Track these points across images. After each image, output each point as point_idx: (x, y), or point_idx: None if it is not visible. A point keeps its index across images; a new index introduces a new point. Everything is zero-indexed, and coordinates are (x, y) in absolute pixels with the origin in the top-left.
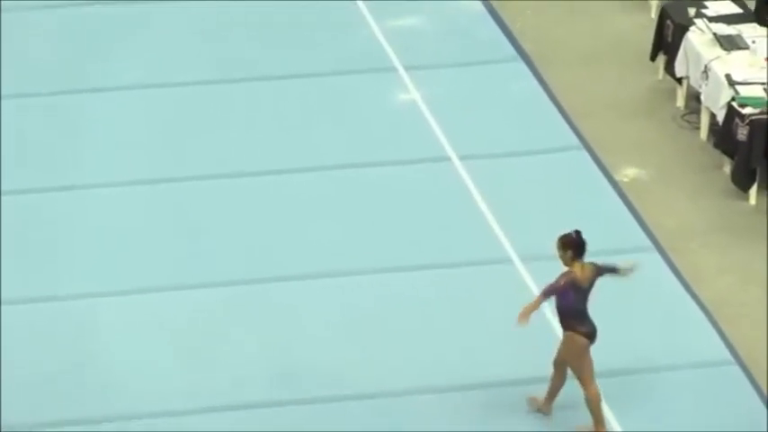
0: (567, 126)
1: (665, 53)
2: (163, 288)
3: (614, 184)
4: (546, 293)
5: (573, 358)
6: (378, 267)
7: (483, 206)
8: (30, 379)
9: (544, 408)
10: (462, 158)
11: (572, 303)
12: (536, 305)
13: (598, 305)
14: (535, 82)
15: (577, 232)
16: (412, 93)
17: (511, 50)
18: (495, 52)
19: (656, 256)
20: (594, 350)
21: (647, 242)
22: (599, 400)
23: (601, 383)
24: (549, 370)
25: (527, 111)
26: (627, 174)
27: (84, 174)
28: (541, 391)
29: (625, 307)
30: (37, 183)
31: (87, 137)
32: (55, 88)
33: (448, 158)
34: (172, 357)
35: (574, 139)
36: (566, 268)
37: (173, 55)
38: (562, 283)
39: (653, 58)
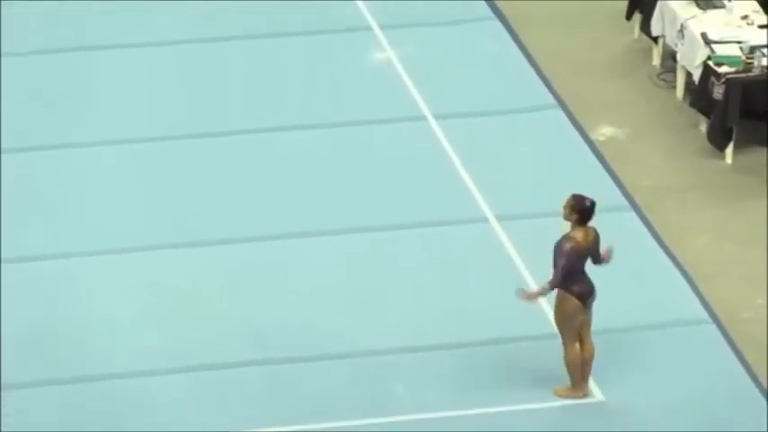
0: (542, 85)
1: (640, 12)
2: (140, 248)
3: (590, 143)
4: (555, 280)
5: (560, 317)
6: (354, 227)
7: (459, 166)
8: (2, 337)
9: (572, 394)
10: (438, 118)
11: (571, 267)
12: (545, 291)
13: None
14: (511, 41)
15: (592, 202)
16: (387, 52)
17: (486, 10)
18: (470, 12)
19: (632, 215)
20: None
21: (623, 201)
22: (578, 363)
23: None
24: (529, 328)
25: (503, 70)
26: (603, 133)
27: (70, 133)
28: (524, 349)
29: (601, 269)
30: (25, 141)
31: (78, 95)
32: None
33: (424, 118)
34: (149, 316)
35: (550, 99)
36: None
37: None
38: (564, 257)
39: (628, 17)
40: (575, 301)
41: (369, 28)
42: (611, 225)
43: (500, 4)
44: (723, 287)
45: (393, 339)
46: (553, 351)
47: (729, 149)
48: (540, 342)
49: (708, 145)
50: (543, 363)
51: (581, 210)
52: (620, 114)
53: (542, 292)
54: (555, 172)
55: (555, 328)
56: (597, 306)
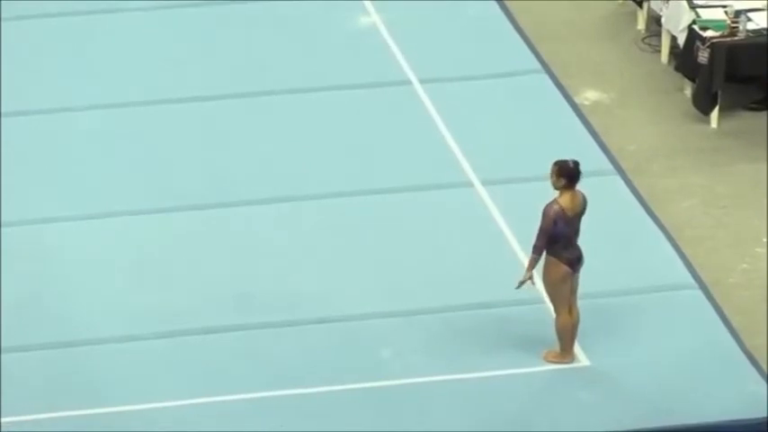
0: (527, 49)
1: None
2: (123, 212)
3: (575, 108)
4: (538, 245)
5: (549, 283)
6: (338, 191)
7: (443, 130)
8: None
9: (559, 359)
10: (422, 82)
11: (558, 230)
12: (534, 262)
13: None
14: (495, 5)
15: (575, 162)
16: (372, 16)
17: None
18: None
19: (617, 179)
20: None
21: (609, 165)
22: (569, 329)
23: None
24: (515, 292)
25: (487, 34)
26: (588, 97)
27: (58, 97)
28: (511, 314)
29: (586, 230)
30: (11, 105)
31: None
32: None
33: (408, 82)
34: (131, 281)
35: (534, 63)
36: (542, 196)
37: None
38: (549, 222)
39: None
40: (564, 268)
41: None
42: (596, 189)
43: None
44: (709, 251)
45: (379, 304)
46: (540, 315)
47: (715, 113)
48: (528, 306)
49: (693, 109)
50: (530, 327)
51: (567, 173)
52: (605, 79)
53: (531, 265)
54: (540, 136)
55: (544, 293)
56: (582, 271)
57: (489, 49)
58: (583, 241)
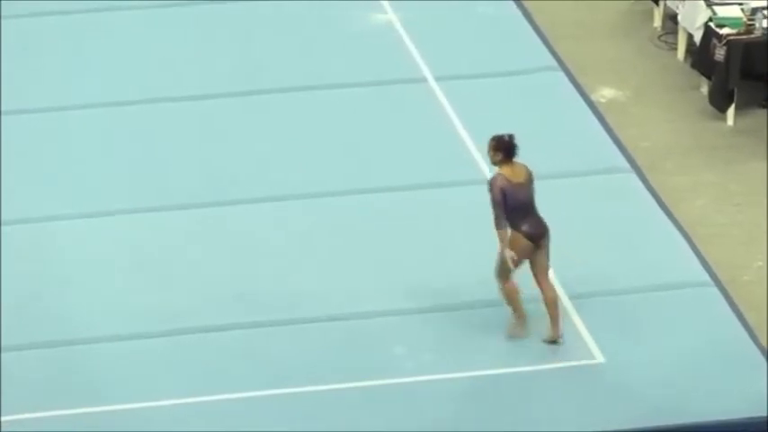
0: (543, 46)
1: None
2: (121, 211)
3: (591, 105)
4: (497, 218)
5: (502, 252)
6: (352, 189)
7: (459, 127)
8: None
9: (518, 330)
10: (438, 79)
11: (511, 203)
12: (503, 236)
13: (574, 225)
14: (511, 2)
15: (510, 136)
16: (388, 13)
17: None
18: None
19: (633, 177)
20: (569, 271)
21: (624, 162)
22: (514, 297)
23: (577, 305)
24: (527, 290)
25: (503, 32)
26: (604, 94)
27: (58, 95)
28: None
29: (601, 228)
30: (12, 104)
31: (68, 57)
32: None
33: (424, 79)
34: (130, 280)
35: (550, 60)
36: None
37: None
38: (497, 192)
39: None
40: (525, 241)
41: None
42: (611, 186)
43: None
44: (723, 249)
45: (391, 302)
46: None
47: (730, 111)
48: (540, 304)
49: (709, 107)
50: (543, 325)
51: (504, 146)
52: (621, 76)
53: (502, 239)
54: (556, 134)
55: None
56: (596, 267)
57: (505, 46)
58: (598, 238)
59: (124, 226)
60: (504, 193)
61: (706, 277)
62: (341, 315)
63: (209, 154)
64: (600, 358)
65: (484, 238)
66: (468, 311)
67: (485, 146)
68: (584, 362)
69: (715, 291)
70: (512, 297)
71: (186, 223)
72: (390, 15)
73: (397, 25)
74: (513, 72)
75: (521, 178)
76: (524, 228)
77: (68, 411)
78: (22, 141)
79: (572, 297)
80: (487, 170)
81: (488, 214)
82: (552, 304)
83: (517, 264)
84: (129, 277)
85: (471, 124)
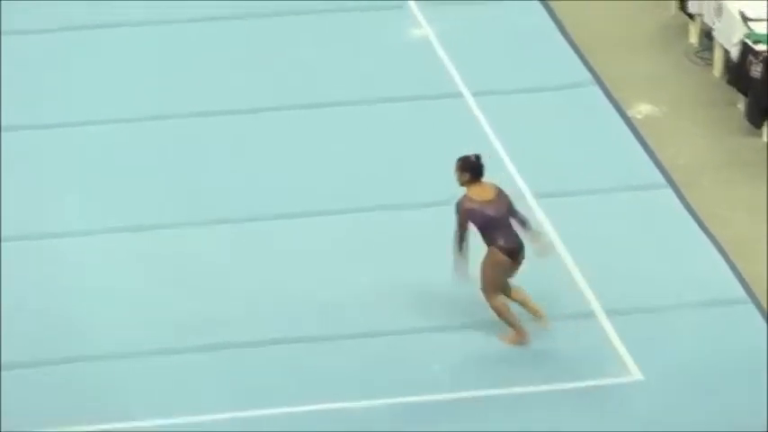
0: (579, 62)
1: None
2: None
3: (627, 121)
4: (459, 238)
5: (484, 269)
6: (387, 204)
7: (496, 143)
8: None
9: (521, 339)
10: (475, 95)
11: (482, 222)
12: (461, 256)
13: (611, 242)
14: (548, 17)
15: (477, 156)
16: (424, 28)
17: None
18: None
19: (669, 193)
20: (607, 287)
21: (660, 178)
22: (505, 310)
23: (614, 321)
24: (566, 307)
25: (539, 46)
26: (640, 110)
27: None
28: (561, 329)
29: (638, 244)
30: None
31: (81, 74)
32: (58, 24)
33: (461, 95)
34: (162, 294)
35: (587, 75)
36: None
37: None
38: (462, 215)
39: None
40: (502, 256)
41: (405, 4)
42: (648, 203)
43: None
44: (760, 265)
45: (430, 317)
46: (591, 330)
47: (767, 127)
48: (578, 321)
49: (745, 123)
50: (581, 342)
51: (470, 166)
52: (657, 92)
53: (456, 267)
54: (592, 149)
55: (479, 278)
56: (633, 284)
57: (541, 61)
58: (634, 254)
59: (141, 241)
60: (471, 215)
61: (743, 293)
62: (387, 330)
63: (252, 168)
64: (638, 375)
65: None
66: (505, 327)
67: (521, 161)
68: (622, 379)
69: (752, 307)
70: (501, 312)
71: (226, 237)
72: (426, 30)
73: (433, 40)
74: (549, 87)
75: (489, 196)
76: (501, 242)
77: (92, 427)
78: (51, 155)
79: (609, 313)
80: (524, 186)
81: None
82: (502, 312)
83: (498, 280)
84: (156, 291)
85: (508, 139)
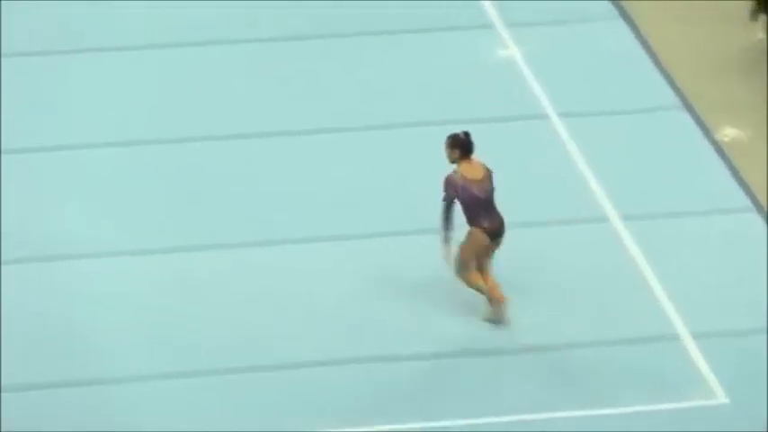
0: (666, 84)
1: (765, 12)
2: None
3: (714, 144)
4: (445, 214)
5: (463, 246)
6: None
7: (581, 164)
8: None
9: (496, 315)
10: (560, 116)
11: (467, 200)
12: (445, 234)
13: (696, 264)
14: (634, 40)
15: (466, 133)
16: (510, 49)
17: (610, 8)
18: (592, 9)
19: (756, 217)
20: (692, 309)
21: (747, 202)
22: (478, 282)
23: (700, 344)
24: (648, 329)
25: (625, 68)
26: (727, 133)
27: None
28: (645, 351)
29: (723, 267)
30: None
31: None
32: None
33: (546, 116)
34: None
35: (673, 98)
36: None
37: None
38: (450, 190)
39: (753, 18)
40: (483, 236)
41: (491, 25)
42: (734, 226)
43: (623, 3)
44: None
45: (515, 338)
46: (676, 352)
47: None
48: (663, 343)
49: None
50: (665, 364)
51: (460, 143)
52: (744, 115)
53: (443, 243)
54: (678, 172)
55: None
56: (721, 307)
57: (627, 83)
58: (721, 277)
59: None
60: (458, 192)
61: None
62: (474, 351)
63: (325, 187)
64: (723, 398)
65: (611, 276)
66: (592, 349)
67: (607, 183)
68: (707, 401)
69: None
70: (478, 285)
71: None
72: (512, 50)
73: (519, 60)
74: (634, 109)
75: (478, 175)
76: (484, 224)
77: None
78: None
79: (696, 336)
80: (610, 208)
81: (611, 250)
82: (495, 287)
83: (473, 261)
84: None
85: (594, 161)
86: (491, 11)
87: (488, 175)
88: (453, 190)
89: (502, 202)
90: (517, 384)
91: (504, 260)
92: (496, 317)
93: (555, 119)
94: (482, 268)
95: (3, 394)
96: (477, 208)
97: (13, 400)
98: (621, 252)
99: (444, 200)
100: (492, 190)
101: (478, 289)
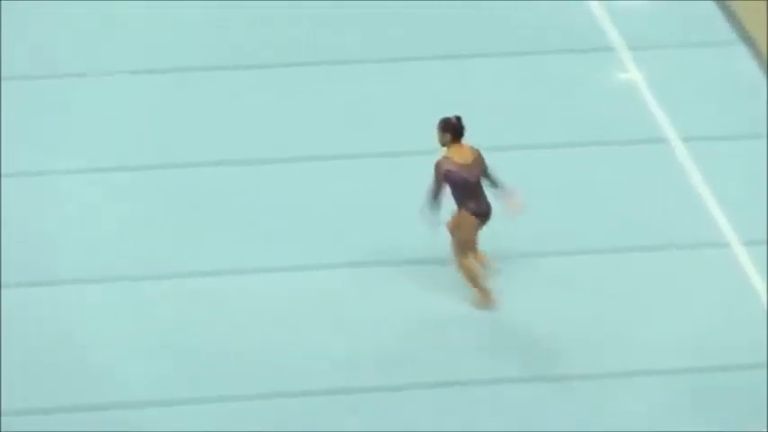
0: None
1: None
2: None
3: None
4: (433, 195)
5: (459, 233)
6: (587, 248)
7: (701, 188)
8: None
9: (486, 302)
10: (682, 140)
11: (456, 183)
12: (433, 208)
13: None
14: (756, 64)
15: (457, 117)
16: (631, 72)
17: (733, 33)
18: (714, 33)
19: None
20: None
21: None
22: (472, 272)
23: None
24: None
25: (747, 92)
26: None
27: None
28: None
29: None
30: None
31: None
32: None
33: (667, 140)
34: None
35: None
36: None
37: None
38: (440, 174)
39: None
40: (471, 218)
41: (613, 48)
42: None
43: (746, 27)
44: None
45: (637, 360)
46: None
47: None
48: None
49: None
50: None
51: (451, 127)
52: None
53: (425, 208)
54: None
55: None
56: None
57: (750, 108)
58: None
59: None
60: (447, 175)
61: None
62: (588, 374)
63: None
64: None
65: (728, 300)
66: (713, 374)
67: (728, 208)
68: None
69: None
70: (470, 274)
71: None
72: (633, 74)
73: (641, 84)
74: (757, 134)
75: (468, 160)
76: (471, 205)
77: None
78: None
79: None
80: (731, 233)
81: (733, 277)
82: (468, 273)
83: (470, 240)
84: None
85: (714, 186)
86: (612, 33)
87: (478, 158)
88: (442, 173)
89: (621, 226)
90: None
91: (625, 284)
92: (481, 305)
93: (676, 142)
94: (473, 244)
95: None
96: (466, 191)
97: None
98: (743, 278)
99: (434, 185)
100: (480, 172)
101: (467, 275)
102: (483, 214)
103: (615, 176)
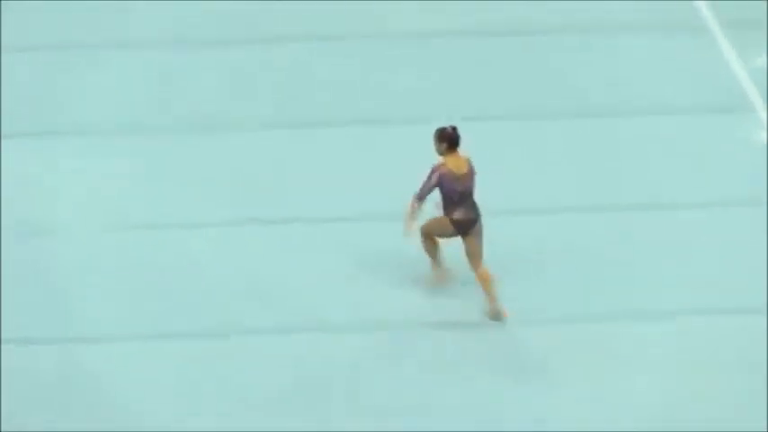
0: None
1: None
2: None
3: None
4: (420, 194)
5: (431, 227)
6: (701, 308)
7: None
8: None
9: (440, 279)
10: None
11: (447, 192)
12: (412, 211)
13: None
14: None
15: (453, 127)
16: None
17: None
18: None
19: None
20: None
21: None
22: (431, 247)
23: None
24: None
25: None
26: None
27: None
28: None
29: None
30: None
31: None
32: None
33: None
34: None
35: None
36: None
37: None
38: (434, 179)
39: None
40: (450, 227)
41: (753, 109)
42: None
43: None
44: None
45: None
46: None
47: None
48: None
49: None
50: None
51: (447, 137)
52: None
53: (408, 212)
54: None
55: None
56: None
57: None
58: None
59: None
60: (442, 182)
61: None
62: None
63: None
64: None
65: None
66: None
67: None
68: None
69: None
70: (431, 249)
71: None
72: None
73: None
74: None
75: (463, 170)
76: (455, 215)
77: None
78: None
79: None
80: None
81: None
82: (485, 282)
83: (437, 232)
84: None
85: None
86: (751, 92)
87: (471, 170)
88: (437, 181)
89: (737, 287)
90: None
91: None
92: (434, 284)
93: None
94: (471, 256)
95: None
96: (454, 200)
97: None
98: None
99: (424, 184)
100: (472, 183)
101: (428, 251)
102: (463, 224)
103: (734, 238)
